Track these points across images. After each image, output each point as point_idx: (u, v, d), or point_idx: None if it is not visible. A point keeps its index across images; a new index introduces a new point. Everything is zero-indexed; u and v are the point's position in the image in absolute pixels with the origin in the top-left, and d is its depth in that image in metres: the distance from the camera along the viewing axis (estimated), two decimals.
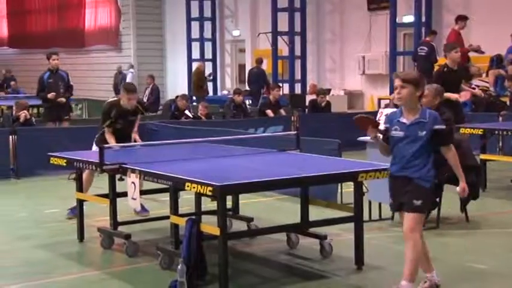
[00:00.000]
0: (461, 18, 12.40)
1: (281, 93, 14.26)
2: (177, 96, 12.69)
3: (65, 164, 5.88)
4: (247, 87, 16.62)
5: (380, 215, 6.57)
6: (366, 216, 5.77)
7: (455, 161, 4.42)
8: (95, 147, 6.66)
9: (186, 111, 12.26)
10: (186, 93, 17.29)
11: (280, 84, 16.50)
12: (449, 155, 4.40)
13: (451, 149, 4.40)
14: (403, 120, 4.33)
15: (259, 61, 16.35)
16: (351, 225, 5.15)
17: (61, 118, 10.54)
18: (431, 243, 5.80)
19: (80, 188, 6.06)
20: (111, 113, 6.72)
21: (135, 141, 6.97)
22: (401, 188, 4.31)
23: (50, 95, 10.30)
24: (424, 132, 4.26)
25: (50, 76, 10.39)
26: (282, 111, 12.79)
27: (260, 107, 13.27)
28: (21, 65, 24.69)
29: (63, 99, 10.42)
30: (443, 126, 4.31)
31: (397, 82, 4.34)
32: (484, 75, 13.21)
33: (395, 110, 4.55)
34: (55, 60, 10.36)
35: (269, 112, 12.42)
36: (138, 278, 4.99)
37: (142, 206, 6.48)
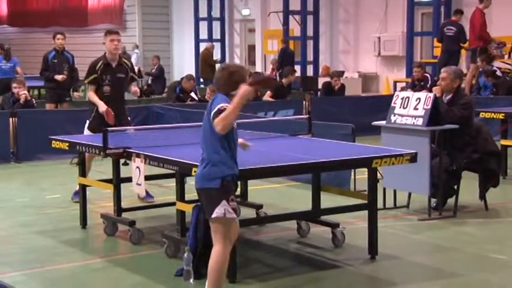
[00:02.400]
0: None
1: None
2: (182, 78, 12.36)
3: (67, 148, 5.75)
4: (257, 69, 16.37)
5: (395, 203, 6.39)
6: (380, 204, 5.63)
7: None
8: (86, 131, 6.48)
9: (192, 94, 11.94)
10: (194, 74, 17.03)
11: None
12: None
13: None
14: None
15: (287, 41, 16.20)
16: (364, 213, 5.02)
17: (62, 100, 10.39)
18: (449, 232, 5.66)
19: (82, 173, 5.91)
20: (96, 66, 6.48)
21: (134, 93, 6.75)
22: None
23: (58, 77, 10.15)
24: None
25: (54, 56, 10.27)
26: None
27: (271, 89, 13.01)
28: (21, 44, 24.50)
29: (64, 76, 10.21)
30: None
31: None
32: (506, 56, 12.86)
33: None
34: (59, 40, 10.24)
35: (266, 94, 12.13)
36: (143, 266, 4.89)
37: (147, 192, 6.33)
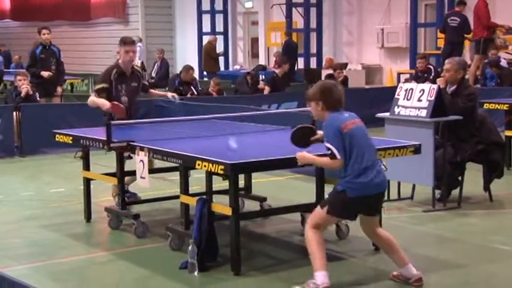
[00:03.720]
0: None
1: (295, 67, 13.96)
2: (181, 71, 12.14)
3: (70, 142, 5.75)
4: (260, 62, 16.32)
5: (399, 195, 6.39)
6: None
7: (320, 162, 4.28)
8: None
9: (192, 87, 11.73)
10: (197, 68, 16.95)
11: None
12: (326, 158, 4.18)
13: (328, 160, 4.17)
14: None
15: (290, 34, 16.14)
16: None
17: (51, 94, 10.33)
18: (453, 224, 5.65)
19: (86, 167, 5.90)
20: (111, 74, 6.19)
21: (172, 98, 6.66)
22: None
23: (44, 73, 10.08)
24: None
25: (42, 51, 10.21)
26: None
27: (265, 82, 12.95)
28: (24, 38, 24.46)
29: (51, 73, 10.16)
30: (327, 144, 4.14)
31: None
32: (510, 47, 12.80)
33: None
34: (45, 35, 10.17)
35: (267, 89, 12.09)
36: (147, 260, 4.89)
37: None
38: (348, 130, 4.08)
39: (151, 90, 6.72)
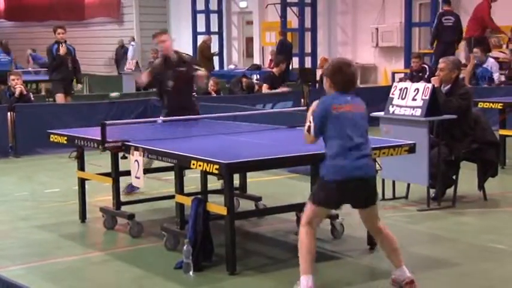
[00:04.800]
0: None
1: (290, 67, 13.94)
2: None
3: (65, 142, 5.74)
4: (255, 62, 16.32)
5: (394, 194, 6.40)
6: (379, 195, 5.56)
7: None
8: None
9: None
10: None
11: None
12: None
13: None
14: None
15: (285, 33, 16.23)
16: None
17: (68, 92, 10.43)
18: (448, 223, 5.67)
19: (81, 167, 5.89)
20: (156, 64, 6.75)
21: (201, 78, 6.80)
22: None
23: (61, 50, 10.15)
24: None
25: (58, 48, 10.30)
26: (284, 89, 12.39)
27: (263, 81, 12.97)
28: (18, 38, 24.43)
29: (65, 50, 10.23)
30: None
31: None
32: (504, 46, 12.84)
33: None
34: (60, 34, 10.30)
35: (265, 87, 12.09)
36: (142, 259, 4.88)
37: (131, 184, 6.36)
38: (338, 112, 3.96)
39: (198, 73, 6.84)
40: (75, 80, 10.67)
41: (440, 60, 6.44)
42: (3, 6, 27.37)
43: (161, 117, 6.67)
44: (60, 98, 10.32)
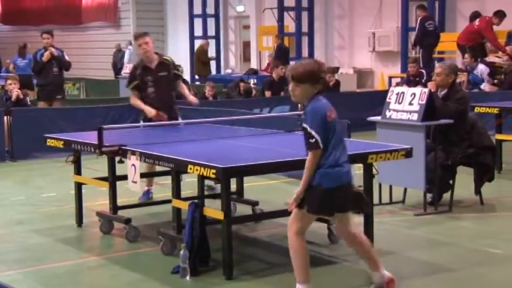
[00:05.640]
0: (501, 15, 12.22)
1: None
2: None
3: (62, 146, 5.73)
4: (252, 66, 16.32)
5: (390, 198, 6.40)
6: (375, 200, 5.62)
7: (307, 171, 3.90)
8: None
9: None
10: (189, 72, 16.85)
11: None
12: (307, 160, 3.90)
13: (310, 156, 3.87)
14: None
15: (282, 38, 16.29)
16: None
17: (52, 98, 10.36)
18: (444, 227, 5.67)
19: (78, 171, 5.88)
20: (135, 72, 6.55)
21: (190, 103, 6.70)
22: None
23: (45, 55, 10.09)
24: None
25: (43, 54, 10.26)
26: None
27: (262, 86, 12.99)
28: (15, 42, 24.43)
29: (53, 51, 10.17)
30: (306, 125, 3.84)
31: (289, 79, 3.90)
32: (500, 52, 12.88)
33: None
34: (45, 40, 10.25)
35: (267, 93, 12.12)
36: (139, 264, 4.88)
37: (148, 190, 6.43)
38: (331, 119, 3.87)
39: (182, 84, 6.76)
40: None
41: (437, 65, 6.48)
42: (0, 11, 27.35)
43: (141, 122, 6.59)
44: (40, 105, 10.28)
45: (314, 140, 3.80)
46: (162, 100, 6.49)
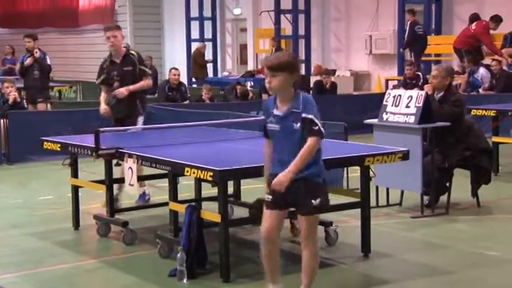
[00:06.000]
0: (497, 20, 12.32)
1: None
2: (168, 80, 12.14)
3: (59, 149, 5.72)
4: (249, 68, 16.30)
5: (388, 201, 6.40)
6: (373, 202, 5.62)
7: (306, 155, 3.69)
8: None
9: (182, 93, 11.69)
10: (186, 75, 16.83)
11: None
12: (306, 145, 3.67)
13: (312, 141, 3.68)
14: (277, 111, 3.78)
15: (278, 40, 16.36)
16: (357, 211, 5.01)
17: (35, 100, 10.38)
18: (441, 229, 5.68)
19: (75, 174, 5.87)
20: (104, 65, 6.49)
21: (114, 96, 6.37)
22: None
23: (28, 60, 10.21)
24: (299, 124, 3.69)
25: (26, 57, 10.36)
26: None
27: (260, 89, 13.00)
28: (13, 45, 24.41)
29: (37, 55, 10.23)
30: (310, 115, 3.68)
31: (266, 71, 3.76)
32: (496, 55, 12.91)
33: (271, 97, 3.87)
34: (27, 43, 10.34)
35: (264, 96, 12.13)
36: (136, 267, 4.87)
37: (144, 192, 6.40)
38: None
39: (144, 79, 6.48)
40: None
41: (434, 67, 6.49)
42: None
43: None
44: (29, 108, 10.31)
45: (317, 127, 3.69)
46: (125, 97, 6.35)
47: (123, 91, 6.34)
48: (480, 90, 11.61)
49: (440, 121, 6.01)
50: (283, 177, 3.70)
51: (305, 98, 3.75)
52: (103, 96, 6.52)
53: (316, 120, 3.69)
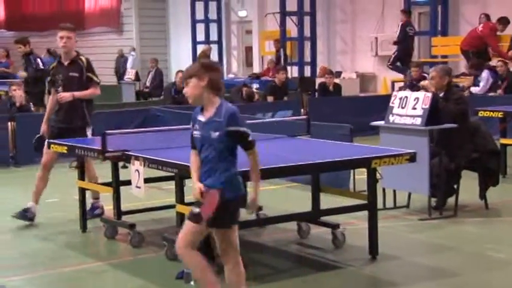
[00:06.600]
0: (505, 22, 12.31)
1: (289, 76, 13.98)
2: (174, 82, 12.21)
3: (65, 152, 5.72)
4: (254, 71, 16.29)
5: (395, 203, 6.38)
6: (380, 204, 5.59)
7: (255, 166, 3.67)
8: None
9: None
10: None
11: (289, 67, 16.22)
12: (252, 159, 3.64)
13: (253, 154, 3.64)
14: (200, 117, 3.69)
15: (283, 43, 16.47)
16: (365, 213, 5.00)
17: (41, 104, 10.52)
18: (449, 232, 5.65)
19: (81, 176, 5.88)
20: (51, 66, 6.27)
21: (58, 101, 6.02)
22: None
23: (20, 74, 10.62)
24: (217, 134, 3.58)
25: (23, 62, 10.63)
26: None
27: (265, 91, 13.00)
28: (7, 48, 24.43)
29: (24, 74, 10.41)
30: (240, 128, 3.58)
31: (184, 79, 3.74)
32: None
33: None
34: (18, 48, 10.53)
35: (270, 98, 12.13)
36: (143, 269, 4.86)
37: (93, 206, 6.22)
38: None
39: (91, 86, 6.05)
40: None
41: (431, 69, 6.51)
42: (4, 17, 27.43)
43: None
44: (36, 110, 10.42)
45: (251, 138, 3.63)
46: (67, 104, 5.99)
47: (67, 95, 5.97)
48: (475, 90, 11.60)
49: (446, 120, 5.99)
50: (256, 196, 3.73)
51: (228, 109, 3.61)
52: (50, 99, 6.22)
53: (249, 132, 3.61)
